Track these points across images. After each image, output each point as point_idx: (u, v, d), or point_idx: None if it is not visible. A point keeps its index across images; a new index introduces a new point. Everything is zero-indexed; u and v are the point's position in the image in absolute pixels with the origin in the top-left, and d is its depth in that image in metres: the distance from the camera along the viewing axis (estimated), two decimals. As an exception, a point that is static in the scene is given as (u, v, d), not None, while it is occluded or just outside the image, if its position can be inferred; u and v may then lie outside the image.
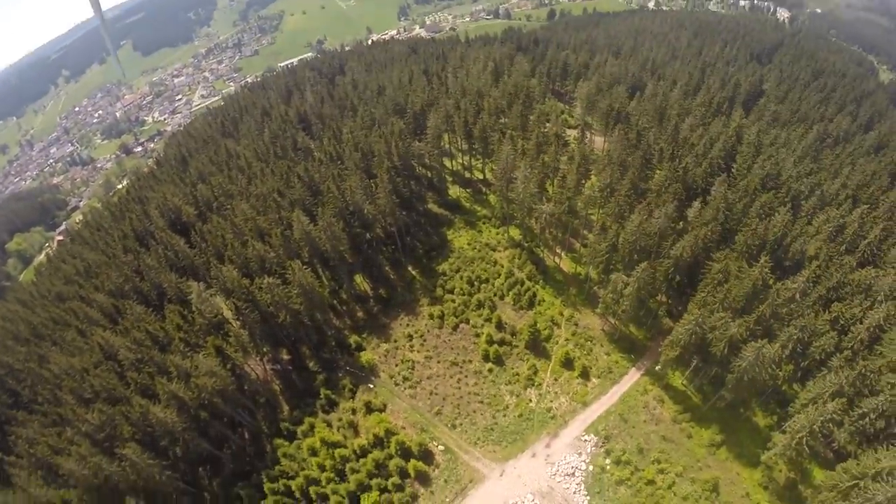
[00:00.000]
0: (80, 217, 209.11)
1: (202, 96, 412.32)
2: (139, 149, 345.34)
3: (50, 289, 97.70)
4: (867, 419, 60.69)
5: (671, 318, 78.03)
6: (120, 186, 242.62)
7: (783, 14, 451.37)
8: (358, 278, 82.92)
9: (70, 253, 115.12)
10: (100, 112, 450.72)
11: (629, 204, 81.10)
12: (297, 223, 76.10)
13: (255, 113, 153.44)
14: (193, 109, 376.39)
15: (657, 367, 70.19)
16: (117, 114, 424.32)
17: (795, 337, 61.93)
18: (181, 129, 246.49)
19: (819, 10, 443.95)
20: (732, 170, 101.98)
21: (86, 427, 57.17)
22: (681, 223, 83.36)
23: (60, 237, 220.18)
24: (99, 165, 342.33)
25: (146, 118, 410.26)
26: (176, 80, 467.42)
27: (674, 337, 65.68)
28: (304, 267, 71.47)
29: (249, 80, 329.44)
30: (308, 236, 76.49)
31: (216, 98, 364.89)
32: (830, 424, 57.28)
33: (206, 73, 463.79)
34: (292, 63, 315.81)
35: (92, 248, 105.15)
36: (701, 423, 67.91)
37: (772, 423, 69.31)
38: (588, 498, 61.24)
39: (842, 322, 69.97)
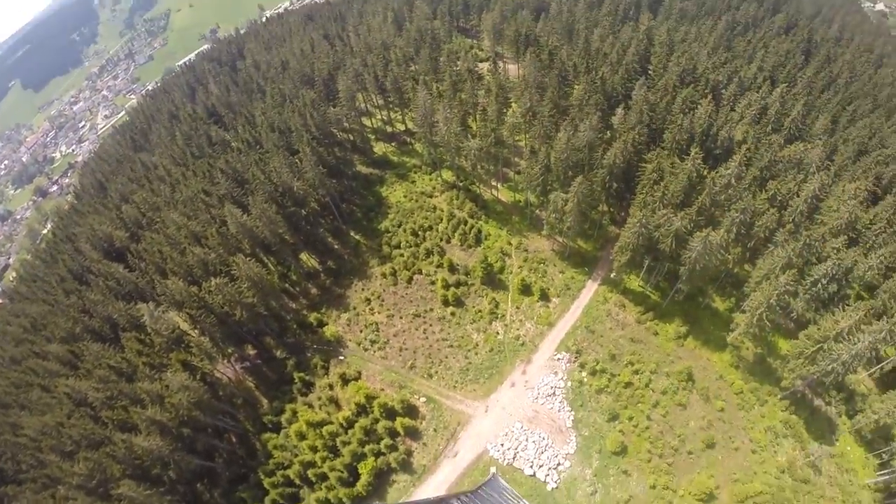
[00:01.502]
0: (14, 274, 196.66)
1: (106, 117, 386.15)
2: (55, 188, 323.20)
3: (2, 355, 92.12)
4: (819, 285, 64.05)
5: (616, 225, 79.79)
6: (45, 231, 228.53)
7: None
8: (304, 256, 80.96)
9: (12, 313, 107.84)
10: (5, 162, 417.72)
11: (553, 123, 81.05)
12: (230, 218, 73.54)
13: (163, 119, 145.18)
14: (100, 133, 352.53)
15: (612, 275, 71.88)
16: (23, 158, 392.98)
17: (738, 220, 63.91)
18: (92, 155, 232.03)
19: None
20: (649, 71, 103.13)
21: (76, 480, 54.77)
22: (607, 132, 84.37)
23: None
24: (18, 217, 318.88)
25: (54, 155, 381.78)
26: (75, 108, 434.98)
27: (622, 242, 67.22)
28: (248, 259, 69.39)
29: (150, 87, 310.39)
30: (244, 228, 73.93)
31: (120, 114, 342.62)
32: (786, 296, 60.14)
33: (105, 92, 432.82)
34: (190, 59, 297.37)
35: (32, 301, 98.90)
36: (664, 319, 70.54)
37: (731, 305, 72.64)
38: (572, 413, 63.29)
39: (779, 198, 72.83)
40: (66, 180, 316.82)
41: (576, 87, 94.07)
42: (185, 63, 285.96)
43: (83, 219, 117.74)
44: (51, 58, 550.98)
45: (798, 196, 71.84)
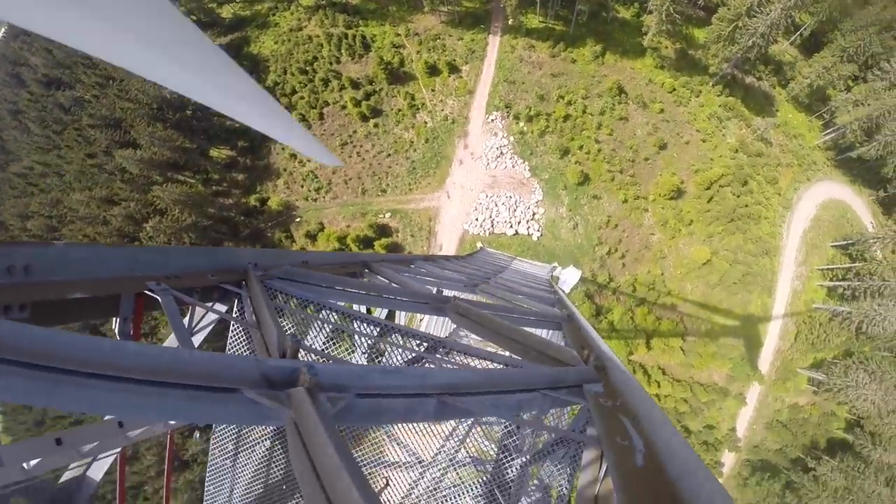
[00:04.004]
0: None
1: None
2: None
3: None
4: None
5: (497, -27, 76.20)
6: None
7: None
8: (213, 152, 76.40)
9: None
10: None
11: None
12: (126, 161, 69.74)
13: (6, 122, 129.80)
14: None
15: (509, 22, 69.41)
16: None
17: None
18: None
19: None
20: None
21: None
22: None
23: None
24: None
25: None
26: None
27: (507, -16, 64.59)
28: (164, 186, 67.01)
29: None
30: (143, 161, 69.89)
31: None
32: None
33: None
34: None
35: None
36: (576, 45, 70.15)
37: (636, 10, 72.12)
38: (526, 163, 64.67)
39: None
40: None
41: None
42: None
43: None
44: None
45: None
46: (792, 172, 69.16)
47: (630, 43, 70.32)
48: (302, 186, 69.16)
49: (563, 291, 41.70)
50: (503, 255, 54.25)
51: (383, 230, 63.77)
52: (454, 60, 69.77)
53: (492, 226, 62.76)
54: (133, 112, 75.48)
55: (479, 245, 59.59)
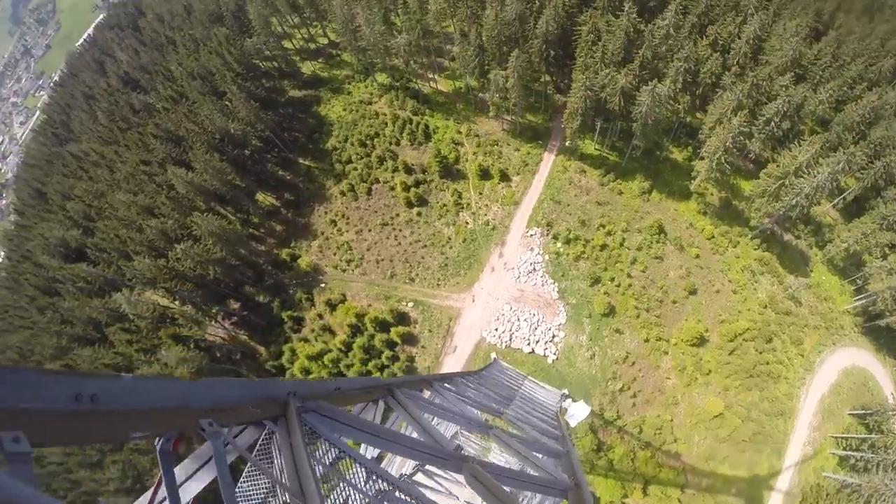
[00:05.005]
0: None
1: (21, 123, 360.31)
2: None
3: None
4: (772, 124, 64.82)
5: (561, 93, 78.52)
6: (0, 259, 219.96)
7: None
8: (259, 196, 78.64)
9: None
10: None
11: (478, 2, 77.56)
12: (176, 180, 70.96)
13: (79, 103, 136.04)
14: (21, 142, 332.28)
15: (567, 143, 71.80)
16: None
17: (682, 69, 63.32)
18: (21, 167, 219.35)
19: None
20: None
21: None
22: (535, 1, 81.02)
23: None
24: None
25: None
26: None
27: (570, 108, 66.55)
28: (205, 215, 67.42)
29: (56, 77, 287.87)
30: (193, 185, 71.56)
31: (35, 116, 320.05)
32: (741, 137, 60.94)
33: (13, 99, 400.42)
34: (89, 34, 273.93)
35: (11, 331, 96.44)
36: (626, 178, 71.27)
37: (688, 154, 73.36)
38: (556, 284, 65.04)
39: (721, 42, 72.20)
40: (3, 201, 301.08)
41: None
42: (85, 40, 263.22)
43: (32, 231, 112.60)
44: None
45: (740, 38, 71.15)
46: (818, 335, 67.92)
47: (677, 184, 71.21)
48: (335, 254, 70.55)
49: (569, 424, 41.60)
50: (516, 372, 54.06)
51: (402, 318, 64.31)
52: (507, 169, 71.50)
53: (510, 339, 62.74)
54: (196, 135, 77.72)
55: (493, 356, 59.27)
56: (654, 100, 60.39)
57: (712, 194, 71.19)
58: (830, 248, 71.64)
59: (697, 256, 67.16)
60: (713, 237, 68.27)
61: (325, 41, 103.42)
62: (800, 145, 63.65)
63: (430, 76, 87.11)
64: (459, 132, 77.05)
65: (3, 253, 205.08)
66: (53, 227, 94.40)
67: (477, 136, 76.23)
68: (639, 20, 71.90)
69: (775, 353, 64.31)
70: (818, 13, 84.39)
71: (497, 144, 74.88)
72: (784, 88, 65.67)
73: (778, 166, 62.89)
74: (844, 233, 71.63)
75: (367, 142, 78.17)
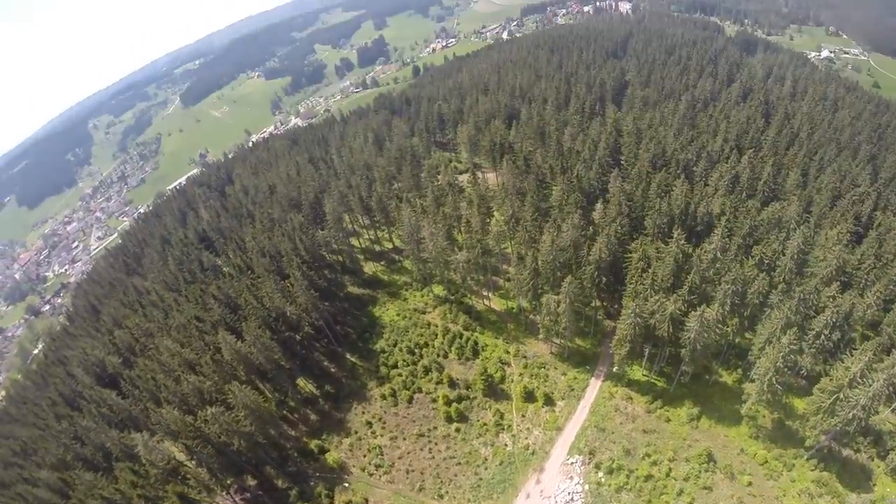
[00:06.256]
0: (3, 393, 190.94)
1: (98, 238, 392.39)
2: (47, 307, 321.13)
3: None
4: (822, 337, 63.85)
5: (611, 318, 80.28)
6: (36, 351, 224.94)
7: (624, 7, 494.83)
8: (300, 381, 79.73)
9: (1, 434, 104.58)
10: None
11: (537, 227, 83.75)
12: (224, 344, 72.88)
13: (155, 243, 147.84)
14: (93, 254, 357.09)
15: (614, 369, 71.37)
16: (16, 275, 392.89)
17: (730, 291, 64.74)
18: (85, 277, 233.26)
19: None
20: (621, 162, 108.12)
21: None
22: (590, 228, 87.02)
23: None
24: (9, 334, 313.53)
25: (47, 273, 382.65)
26: (69, 228, 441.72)
27: (619, 334, 67.39)
28: (244, 386, 67.91)
29: (142, 210, 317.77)
30: (239, 354, 73.24)
31: (113, 236, 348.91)
32: (791, 355, 59.52)
33: (98, 214, 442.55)
34: (180, 183, 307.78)
35: (22, 423, 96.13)
36: (674, 404, 69.34)
37: (738, 377, 71.90)
38: (595, 516, 60.38)
39: (766, 261, 74.33)
40: (59, 300, 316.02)
41: (554, 188, 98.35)
42: (175, 187, 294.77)
43: (75, 342, 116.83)
44: (46, 176, 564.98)
45: (784, 255, 73.51)
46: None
47: (727, 409, 68.23)
48: (364, 456, 68.48)
49: None
50: None
51: (425, 539, 60.06)
52: (552, 393, 71.08)
53: (540, 576, 57.11)
54: (253, 309, 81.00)
55: None
56: (703, 325, 60.69)
57: (764, 416, 67.63)
58: (893, 456, 65.30)
59: (750, 484, 61.66)
60: (766, 462, 63.24)
61: (390, 246, 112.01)
62: (851, 354, 61.02)
63: (485, 293, 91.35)
64: (507, 352, 78.57)
65: (41, 346, 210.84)
66: (97, 346, 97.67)
67: (525, 357, 77.31)
68: (687, 245, 75.38)
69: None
70: (857, 216, 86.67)
71: (544, 367, 75.37)
72: (831, 299, 65.46)
73: (831, 380, 59.56)
74: (906, 439, 65.45)
75: (416, 350, 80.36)
